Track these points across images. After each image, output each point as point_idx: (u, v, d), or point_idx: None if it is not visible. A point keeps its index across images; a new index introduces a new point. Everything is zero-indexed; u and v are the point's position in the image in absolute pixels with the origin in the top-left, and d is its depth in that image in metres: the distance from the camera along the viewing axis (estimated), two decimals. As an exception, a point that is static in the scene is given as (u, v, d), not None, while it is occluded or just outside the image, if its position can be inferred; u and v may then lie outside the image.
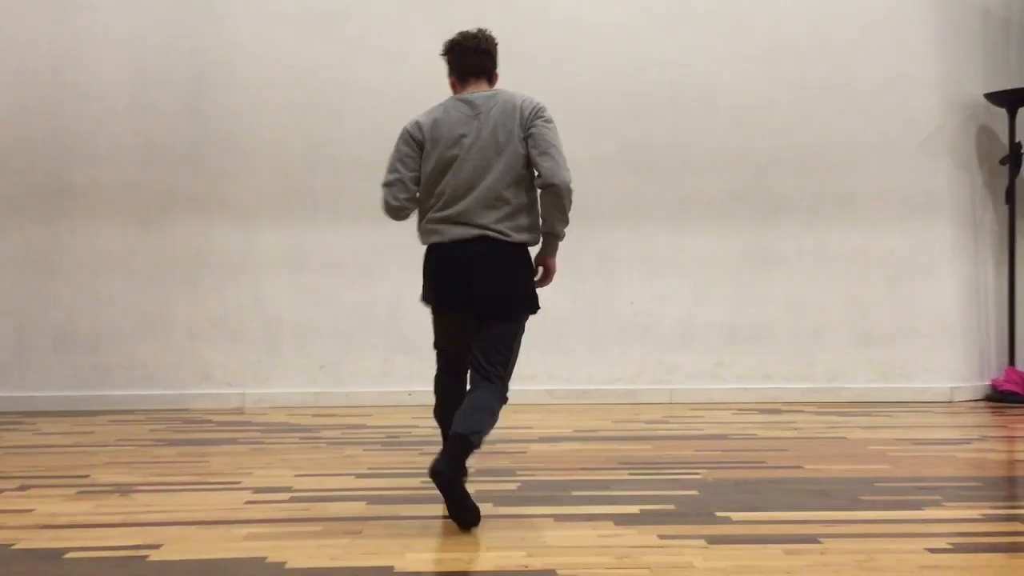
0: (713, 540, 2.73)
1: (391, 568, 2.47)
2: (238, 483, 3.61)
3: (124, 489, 3.49)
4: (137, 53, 6.17)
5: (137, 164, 6.15)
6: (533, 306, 3.21)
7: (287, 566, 2.49)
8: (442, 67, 6.34)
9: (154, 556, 2.59)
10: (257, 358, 6.17)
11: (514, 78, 6.23)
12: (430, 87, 6.33)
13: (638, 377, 6.35)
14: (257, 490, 3.47)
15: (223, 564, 2.52)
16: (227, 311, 6.18)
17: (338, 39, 6.26)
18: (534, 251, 3.26)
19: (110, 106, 6.14)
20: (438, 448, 4.44)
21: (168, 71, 6.17)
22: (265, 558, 2.56)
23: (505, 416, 5.53)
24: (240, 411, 5.96)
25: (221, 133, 6.18)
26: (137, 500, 3.31)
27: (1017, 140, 6.49)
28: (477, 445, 2.96)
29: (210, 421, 5.49)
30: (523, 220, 3.15)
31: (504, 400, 3.14)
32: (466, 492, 2.88)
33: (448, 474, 2.85)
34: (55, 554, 2.62)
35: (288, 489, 3.49)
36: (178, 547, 2.68)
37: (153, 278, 6.15)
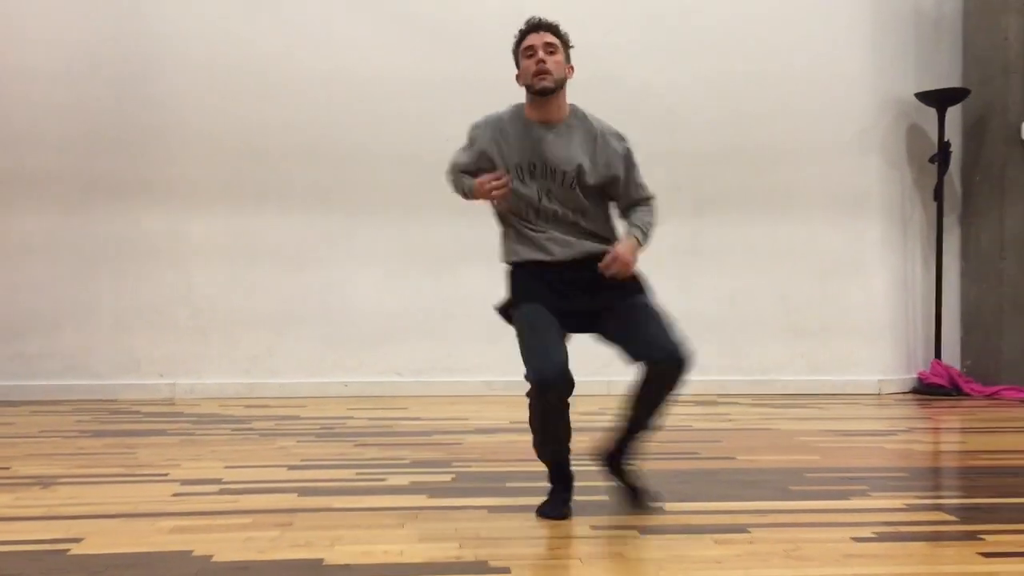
0: (645, 531, 2.74)
1: (320, 561, 2.43)
2: (165, 475, 3.52)
3: (46, 481, 3.39)
4: (64, 36, 5.99)
5: (62, 149, 5.97)
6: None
7: (214, 559, 2.44)
8: (384, 57, 6.33)
9: (75, 550, 2.51)
10: (188, 348, 6.05)
11: (447, 71, 6.23)
12: (370, 76, 6.30)
13: (575, 368, 6.34)
14: (185, 482, 3.39)
15: (147, 557, 2.45)
16: (157, 300, 6.04)
17: (277, 25, 6.16)
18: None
19: (34, 90, 5.96)
20: (373, 438, 4.43)
21: (97, 54, 6.00)
22: (191, 551, 2.50)
23: (442, 407, 5.55)
24: (170, 402, 5.83)
25: (151, 118, 6.03)
26: (59, 493, 3.21)
27: (946, 139, 6.65)
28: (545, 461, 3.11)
29: (138, 412, 5.36)
30: None
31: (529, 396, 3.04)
32: (633, 485, 3.04)
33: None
34: (-31, 549, 2.52)
35: (217, 481, 3.42)
36: (101, 540, 2.60)
37: (79, 266, 5.98)
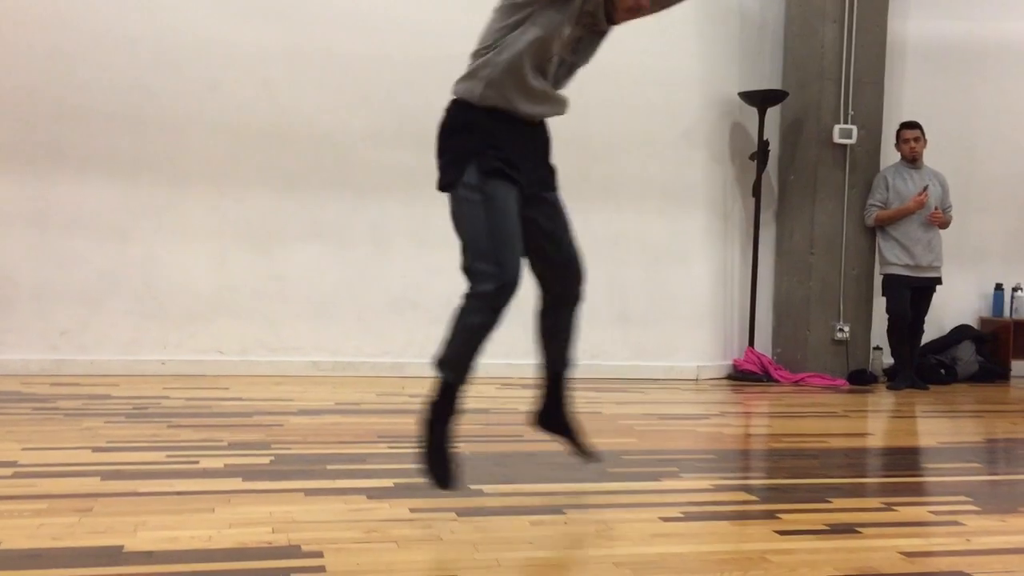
0: (463, 512, 2.75)
1: (120, 548, 2.30)
2: (-48, 458, 3.26)
3: None
4: None
5: None
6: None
7: (1, 547, 2.27)
8: (203, 17, 6.03)
9: None
10: (-12, 321, 5.62)
11: (275, 42, 6.04)
12: (187, 40, 6.01)
13: (406, 350, 6.32)
14: (-26, 465, 3.15)
15: (-78, 548, 2.26)
16: (-47, 268, 5.58)
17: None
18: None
19: None
20: (189, 419, 4.26)
21: None
22: (-26, 540, 2.32)
23: (265, 388, 5.40)
24: (-35, 379, 5.41)
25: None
26: None
27: (765, 138, 6.99)
28: (442, 377, 2.71)
29: (-73, 389, 4.94)
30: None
31: (462, 304, 2.69)
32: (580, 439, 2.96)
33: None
34: None
35: (12, 464, 3.19)
36: None
37: None
